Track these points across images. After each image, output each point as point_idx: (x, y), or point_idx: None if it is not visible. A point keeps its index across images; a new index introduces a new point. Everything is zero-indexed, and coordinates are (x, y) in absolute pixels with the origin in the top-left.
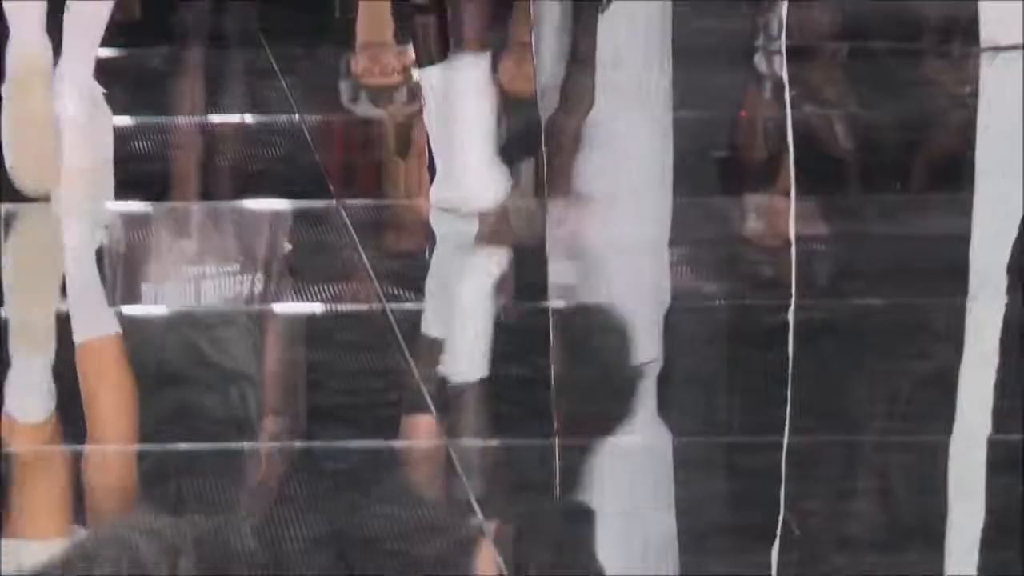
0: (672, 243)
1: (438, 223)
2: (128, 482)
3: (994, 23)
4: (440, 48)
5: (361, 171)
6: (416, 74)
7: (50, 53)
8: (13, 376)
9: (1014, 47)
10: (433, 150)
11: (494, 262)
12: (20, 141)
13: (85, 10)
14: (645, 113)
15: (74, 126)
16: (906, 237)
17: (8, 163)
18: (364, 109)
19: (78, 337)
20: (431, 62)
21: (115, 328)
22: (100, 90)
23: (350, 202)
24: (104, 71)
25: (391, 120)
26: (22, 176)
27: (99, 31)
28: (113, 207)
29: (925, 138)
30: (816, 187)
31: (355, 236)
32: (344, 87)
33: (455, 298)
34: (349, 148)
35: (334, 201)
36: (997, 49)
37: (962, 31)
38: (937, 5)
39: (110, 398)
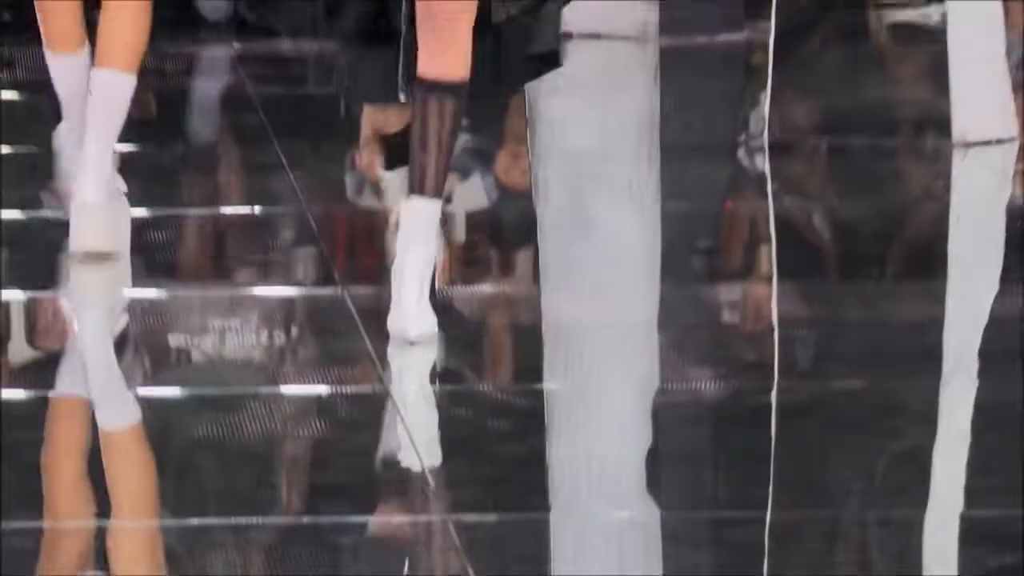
0: (660, 328)
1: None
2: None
3: (964, 120)
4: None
5: (364, 259)
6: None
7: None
8: None
9: (983, 143)
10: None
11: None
12: None
13: (105, 104)
14: (635, 204)
15: (91, 211)
16: (883, 323)
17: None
18: (368, 201)
19: (102, 425)
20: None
21: (136, 416)
22: (121, 182)
23: (354, 289)
24: (121, 165)
25: (394, 211)
26: None
27: (118, 124)
28: (130, 294)
29: (900, 228)
30: (797, 275)
31: (359, 321)
32: (349, 180)
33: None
34: (353, 238)
35: (339, 288)
36: (967, 145)
37: (935, 128)
38: (912, 103)
39: (132, 481)
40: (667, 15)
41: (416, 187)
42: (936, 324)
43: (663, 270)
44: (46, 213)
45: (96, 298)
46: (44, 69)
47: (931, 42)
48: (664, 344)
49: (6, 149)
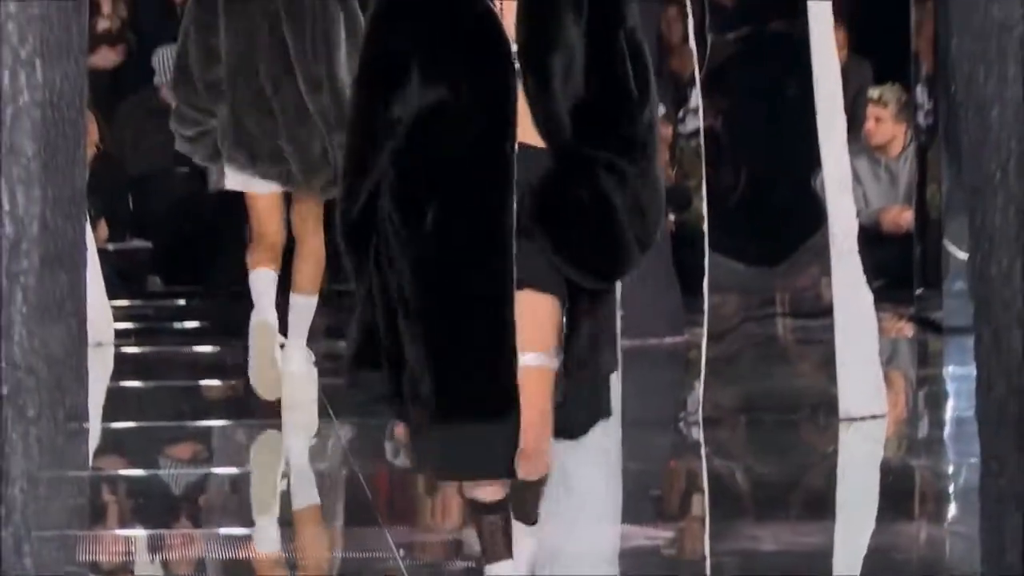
0: (620, 557)
1: None
2: None
3: (848, 402)
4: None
5: (402, 505)
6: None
7: (276, 320)
8: None
9: (862, 418)
10: None
11: None
12: (256, 366)
13: (301, 315)
14: (600, 467)
15: (296, 377)
16: (788, 551)
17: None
18: (403, 463)
19: None
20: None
21: None
22: (311, 355)
23: (394, 527)
24: None
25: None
26: (255, 384)
27: (309, 323)
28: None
29: (801, 482)
30: (724, 515)
31: (395, 552)
32: (388, 446)
33: None
34: (392, 488)
35: (381, 527)
36: (850, 420)
37: (826, 407)
38: (809, 389)
39: None
40: (626, 321)
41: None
42: (826, 554)
43: (624, 513)
44: None
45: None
46: None
47: (823, 343)
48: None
49: None
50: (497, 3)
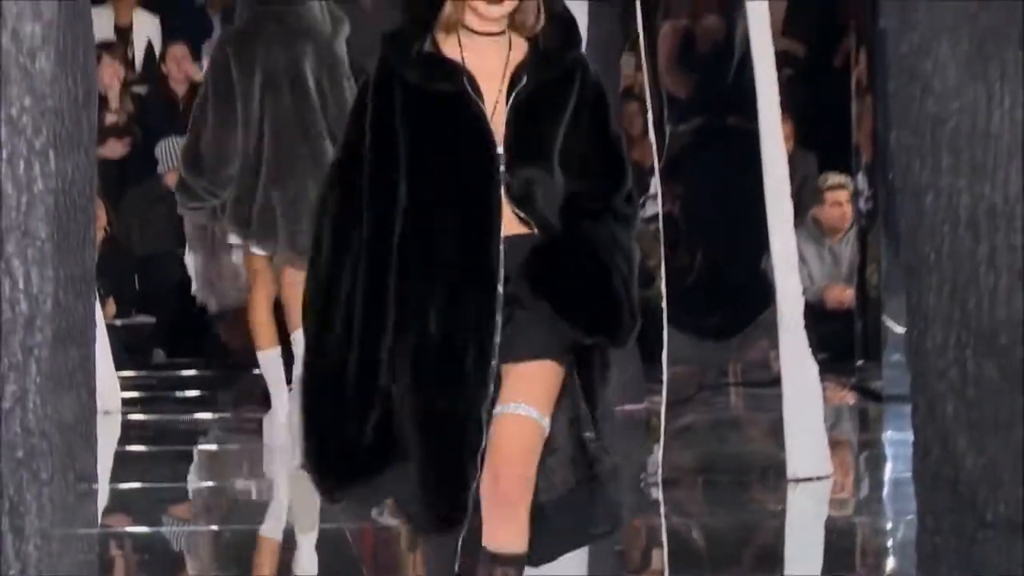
0: None
1: None
2: None
3: (795, 464)
4: None
5: (384, 557)
6: None
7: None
8: None
9: (807, 479)
10: None
11: None
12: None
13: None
14: None
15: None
16: None
17: None
18: (387, 520)
19: None
20: None
21: None
22: None
23: None
24: None
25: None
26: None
27: None
28: None
29: (753, 538)
30: (682, 568)
31: None
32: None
33: None
34: (377, 543)
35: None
36: (797, 481)
37: (775, 469)
38: (759, 452)
39: None
40: None
41: None
42: None
43: (590, 565)
44: None
45: None
46: None
47: (772, 410)
48: None
49: None
50: (488, 107)
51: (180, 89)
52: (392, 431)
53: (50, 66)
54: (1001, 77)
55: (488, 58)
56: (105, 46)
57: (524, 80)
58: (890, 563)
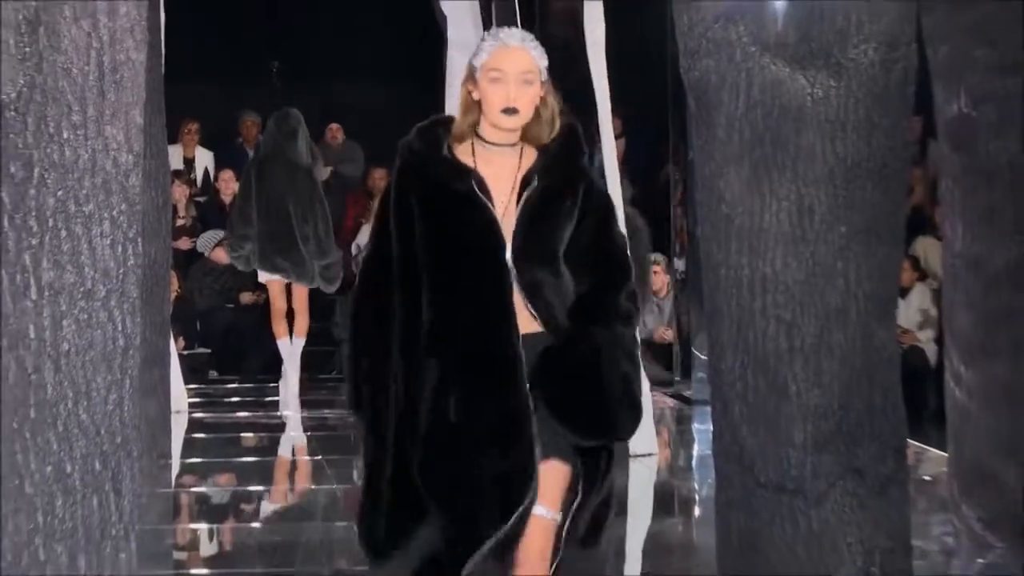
0: None
1: None
2: None
3: (634, 443)
4: None
5: None
6: None
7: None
8: None
9: (643, 455)
10: None
11: None
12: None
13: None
14: None
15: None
16: None
17: None
18: None
19: None
20: None
21: None
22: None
23: None
24: None
25: None
26: None
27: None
28: None
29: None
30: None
31: None
32: None
33: None
34: None
35: None
36: (636, 456)
37: (620, 448)
38: None
39: None
40: None
41: None
42: (621, 536)
43: None
44: None
45: None
46: None
47: None
48: None
49: None
50: (499, 210)
51: (227, 199)
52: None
53: (139, 183)
54: (770, 191)
55: (499, 165)
56: (176, 172)
57: (534, 182)
58: (697, 510)
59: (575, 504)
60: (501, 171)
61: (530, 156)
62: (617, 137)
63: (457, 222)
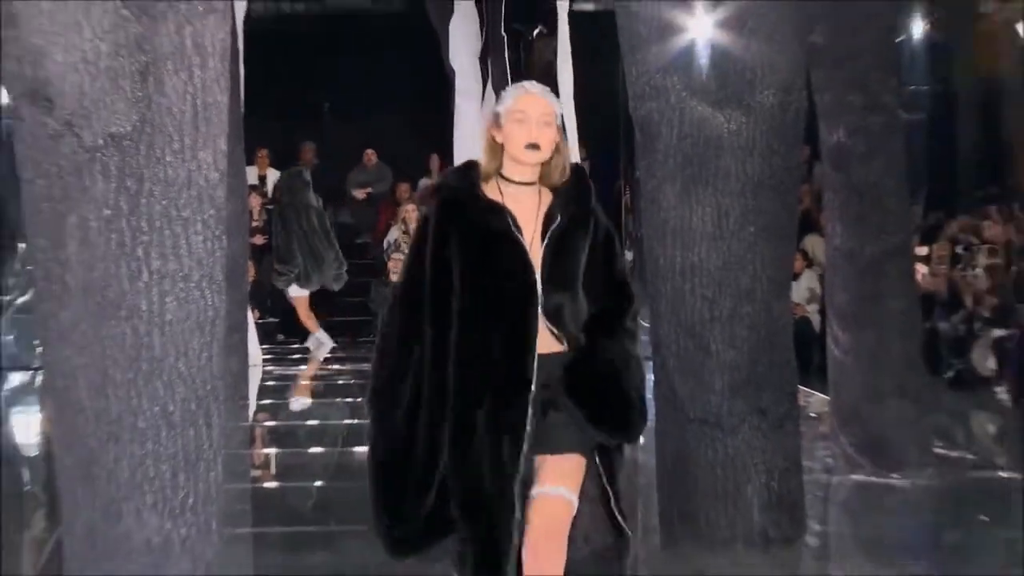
0: None
1: None
2: None
3: None
4: None
5: None
6: None
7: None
8: None
9: None
10: None
11: None
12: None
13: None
14: None
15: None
16: None
17: None
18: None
19: None
20: None
21: None
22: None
23: None
24: None
25: None
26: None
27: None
28: None
29: None
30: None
31: None
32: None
33: None
34: None
35: None
36: None
37: None
38: None
39: None
40: None
41: None
42: None
43: None
44: None
45: None
46: None
47: None
48: None
49: None
50: (527, 239)
51: None
52: (447, 507)
53: (224, 194)
54: (696, 201)
55: (524, 203)
56: (252, 186)
57: (558, 219)
58: (641, 439)
59: (611, 502)
60: (525, 208)
61: (547, 196)
62: (583, 160)
63: (495, 255)
